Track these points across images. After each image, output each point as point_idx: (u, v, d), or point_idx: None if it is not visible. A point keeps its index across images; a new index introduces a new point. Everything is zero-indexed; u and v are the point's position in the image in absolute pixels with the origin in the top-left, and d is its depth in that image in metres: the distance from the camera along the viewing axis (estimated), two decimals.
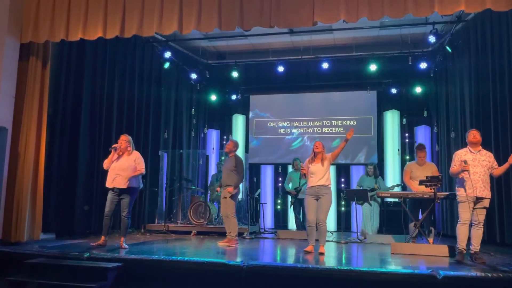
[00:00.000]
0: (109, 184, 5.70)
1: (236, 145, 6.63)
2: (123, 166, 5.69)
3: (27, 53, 6.18)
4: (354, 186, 9.92)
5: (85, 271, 4.39)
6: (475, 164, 4.93)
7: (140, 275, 4.56)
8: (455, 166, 5.07)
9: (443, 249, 5.53)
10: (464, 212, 4.90)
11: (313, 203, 5.61)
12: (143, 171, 5.83)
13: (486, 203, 4.91)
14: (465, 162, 4.91)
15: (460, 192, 4.98)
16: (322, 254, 5.43)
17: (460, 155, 5.07)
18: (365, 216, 7.82)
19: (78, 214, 7.06)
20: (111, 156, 5.78)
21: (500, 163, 6.41)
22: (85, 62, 7.30)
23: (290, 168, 9.64)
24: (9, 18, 5.95)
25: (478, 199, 4.88)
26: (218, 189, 6.77)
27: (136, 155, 5.83)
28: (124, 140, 5.79)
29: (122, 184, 5.62)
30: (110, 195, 5.71)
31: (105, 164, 5.80)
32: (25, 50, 6.16)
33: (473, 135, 5.06)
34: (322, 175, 5.62)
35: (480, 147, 5.08)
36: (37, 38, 6.05)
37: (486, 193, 4.89)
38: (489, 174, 4.98)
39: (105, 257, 4.74)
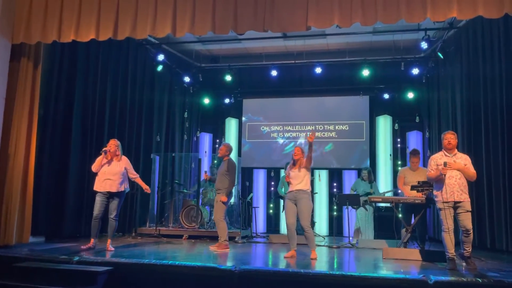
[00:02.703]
0: (98, 187, 5.79)
1: (229, 149, 6.60)
2: (114, 170, 5.82)
3: (19, 54, 6.12)
4: (346, 190, 9.95)
5: (75, 275, 4.33)
6: (447, 163, 4.91)
7: (131, 279, 4.52)
8: (432, 171, 5.05)
9: (434, 254, 5.55)
10: (446, 219, 4.86)
11: (292, 208, 5.67)
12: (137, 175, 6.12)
13: (467, 206, 4.82)
14: (445, 164, 4.87)
15: (438, 198, 4.94)
16: (314, 259, 5.42)
17: (436, 159, 5.05)
18: (359, 221, 7.82)
19: (68, 217, 6.99)
20: (101, 159, 5.86)
21: (490, 169, 6.51)
22: (77, 63, 7.26)
23: (283, 173, 9.62)
24: (1, 19, 5.89)
25: (456, 203, 4.84)
26: (205, 175, 6.80)
27: (127, 161, 6.02)
28: (114, 144, 5.90)
29: (113, 188, 5.76)
30: (99, 198, 5.79)
31: (95, 167, 5.87)
32: (17, 51, 6.11)
33: (448, 140, 5.03)
34: (300, 180, 5.66)
35: (456, 150, 5.06)
36: (29, 39, 6.00)
37: (464, 196, 4.83)
38: (465, 178, 4.91)
39: (95, 261, 4.69)
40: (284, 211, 8.34)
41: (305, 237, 5.64)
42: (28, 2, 6.03)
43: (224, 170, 6.39)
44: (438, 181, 4.97)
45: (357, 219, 7.88)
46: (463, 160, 4.98)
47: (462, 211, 4.83)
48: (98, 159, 5.90)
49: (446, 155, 5.04)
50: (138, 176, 6.15)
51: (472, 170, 4.96)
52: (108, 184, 5.76)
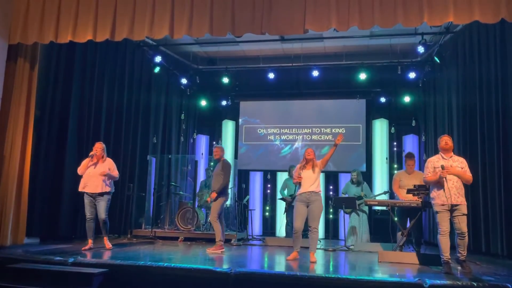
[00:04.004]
0: (83, 189, 5.99)
1: (223, 150, 6.69)
2: (97, 172, 6.00)
3: (15, 54, 6.11)
4: (342, 193, 9.96)
5: (70, 277, 4.31)
6: (444, 166, 4.91)
7: (126, 281, 4.50)
8: (429, 174, 5.05)
9: (430, 258, 5.56)
10: (442, 222, 4.86)
11: (303, 210, 5.61)
12: (117, 176, 6.22)
13: (463, 209, 4.84)
14: (442, 167, 4.88)
15: (435, 201, 4.95)
16: (313, 262, 5.40)
17: (433, 162, 5.07)
18: (352, 227, 7.81)
19: (63, 218, 6.96)
20: (87, 162, 6.07)
21: (486, 173, 6.53)
22: (74, 64, 7.23)
23: (283, 175, 9.64)
24: None
25: (453, 206, 4.85)
26: (209, 199, 6.71)
27: (110, 162, 6.19)
28: (100, 148, 6.12)
29: (96, 189, 5.95)
30: (87, 200, 6.01)
31: (80, 170, 6.08)
32: (13, 51, 6.10)
33: (445, 141, 5.05)
34: (313, 181, 5.63)
35: (452, 153, 5.08)
36: (26, 40, 5.99)
37: (460, 199, 4.84)
38: (461, 181, 4.92)
39: (91, 262, 4.67)
40: (285, 213, 8.37)
41: (309, 238, 5.63)
42: (25, 2, 6.02)
43: (219, 170, 6.39)
44: (436, 184, 4.98)
45: (350, 223, 7.88)
46: (460, 163, 5.00)
47: (458, 214, 4.84)
48: (84, 162, 6.09)
49: (443, 158, 5.05)
50: (117, 178, 6.21)
51: (468, 174, 4.97)
52: (93, 185, 5.94)
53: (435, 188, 4.99)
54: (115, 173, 6.15)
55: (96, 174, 5.96)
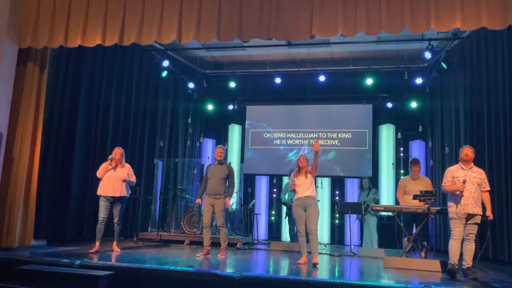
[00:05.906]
0: (102, 192, 6.09)
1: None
2: (118, 176, 6.16)
3: (25, 58, 6.18)
4: (348, 198, 9.96)
5: (76, 279, 4.33)
6: (466, 181, 4.96)
7: (132, 283, 4.51)
8: (447, 183, 5.11)
9: (436, 264, 5.53)
10: (456, 228, 4.95)
11: (302, 214, 5.80)
12: (135, 181, 6.52)
13: (477, 219, 4.95)
14: (464, 182, 4.94)
15: (451, 209, 5.01)
16: (316, 264, 5.47)
17: (452, 172, 5.12)
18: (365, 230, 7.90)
19: (70, 221, 7.01)
20: (106, 166, 6.19)
21: (493, 180, 6.50)
22: (83, 68, 7.31)
23: (286, 180, 9.63)
24: (8, 23, 5.97)
25: (469, 216, 4.92)
26: (199, 200, 6.42)
27: (129, 167, 6.41)
28: (119, 152, 6.28)
29: (115, 192, 6.09)
30: (103, 203, 6.10)
31: (100, 173, 6.19)
32: (23, 55, 6.17)
33: (465, 152, 5.09)
34: (308, 187, 5.84)
35: (472, 164, 5.12)
36: (36, 44, 6.06)
37: (477, 209, 4.91)
38: (480, 191, 5.00)
39: (97, 265, 4.70)
40: (286, 218, 8.39)
41: (310, 241, 5.72)
42: (36, 7, 6.10)
43: (225, 174, 6.32)
44: (453, 193, 5.02)
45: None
46: (479, 174, 5.05)
47: (471, 222, 4.95)
48: (104, 165, 6.21)
49: (462, 168, 5.09)
50: (134, 183, 6.53)
51: (487, 189, 5.06)
52: (112, 189, 6.09)
53: (452, 196, 5.05)
54: (133, 178, 6.40)
55: (116, 178, 6.13)
